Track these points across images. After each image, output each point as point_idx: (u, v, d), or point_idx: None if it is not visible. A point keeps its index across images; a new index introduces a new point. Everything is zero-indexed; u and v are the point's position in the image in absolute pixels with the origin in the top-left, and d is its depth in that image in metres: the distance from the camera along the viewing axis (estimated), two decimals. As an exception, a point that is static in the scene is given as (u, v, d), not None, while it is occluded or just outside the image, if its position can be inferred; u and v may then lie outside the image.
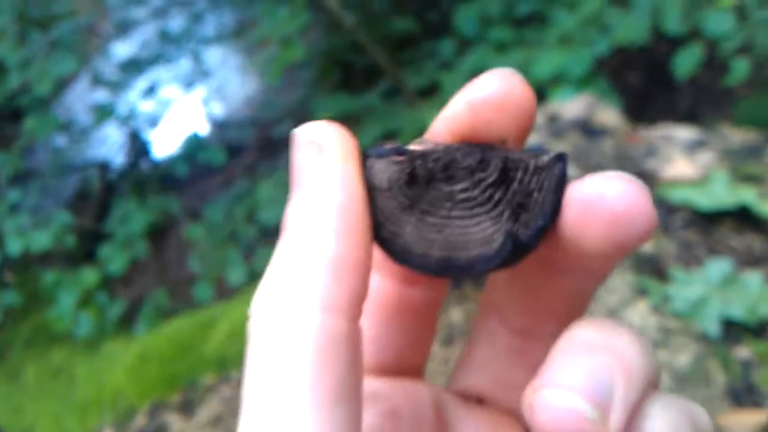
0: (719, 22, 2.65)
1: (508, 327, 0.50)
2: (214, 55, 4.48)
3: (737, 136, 2.02)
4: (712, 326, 1.49)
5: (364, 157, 0.45)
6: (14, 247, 3.05)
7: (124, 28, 4.32)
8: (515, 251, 0.42)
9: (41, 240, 3.08)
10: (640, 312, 1.53)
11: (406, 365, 0.53)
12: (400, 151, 0.46)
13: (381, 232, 0.44)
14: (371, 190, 0.44)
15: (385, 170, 0.45)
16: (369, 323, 0.51)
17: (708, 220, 1.75)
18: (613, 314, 1.51)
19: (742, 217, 1.73)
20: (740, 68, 2.61)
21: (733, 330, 1.51)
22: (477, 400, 0.52)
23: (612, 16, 2.86)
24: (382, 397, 0.51)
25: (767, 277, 1.57)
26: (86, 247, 3.46)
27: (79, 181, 3.90)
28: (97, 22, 4.39)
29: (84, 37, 3.99)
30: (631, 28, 2.77)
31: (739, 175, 1.82)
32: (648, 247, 1.69)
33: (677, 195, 1.79)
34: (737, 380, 1.42)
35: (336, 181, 0.41)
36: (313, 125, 0.44)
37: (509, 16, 3.36)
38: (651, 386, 0.40)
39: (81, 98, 4.08)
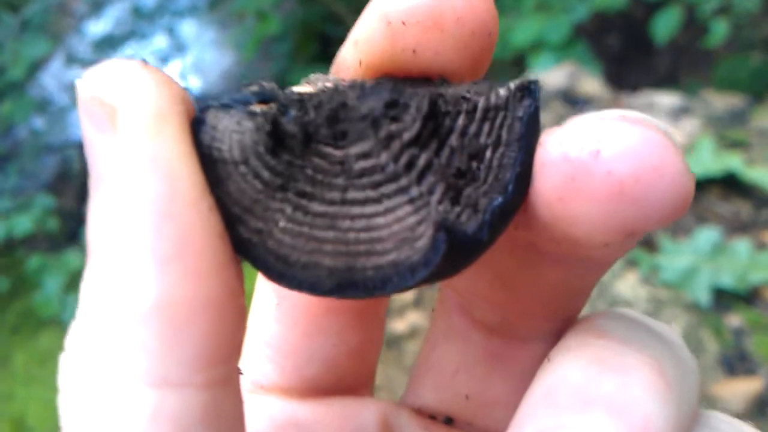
0: (697, -16, 2.64)
1: (480, 324, 0.38)
2: (188, 29, 4.43)
3: (720, 101, 2.03)
4: (702, 295, 1.50)
5: (203, 110, 0.30)
6: (-3, 232, 3.03)
7: (96, 6, 4.26)
8: (455, 253, 0.27)
9: (23, 224, 3.05)
10: (630, 284, 1.53)
11: (345, 380, 0.41)
12: (264, 97, 0.31)
13: (238, 233, 0.28)
14: (215, 165, 0.28)
15: (236, 130, 0.29)
16: (287, 331, 0.39)
17: (695, 188, 1.75)
18: (603, 288, 1.52)
19: (729, 183, 1.74)
20: (719, 30, 2.61)
21: (724, 298, 1.52)
22: (444, 420, 0.40)
23: (590, -20, 2.84)
24: (308, 426, 0.39)
25: (756, 243, 1.58)
26: (69, 228, 3.44)
27: (58, 161, 3.86)
28: (68, 1, 4.33)
29: (56, 17, 3.94)
30: (609, -7, 2.76)
31: (724, 141, 1.83)
32: (636, 217, 1.70)
33: (663, 164, 1.80)
34: (729, 349, 1.44)
35: (143, 169, 0.26)
36: (100, 71, 0.28)
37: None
38: None
39: (56, 78, 4.04)
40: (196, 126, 0.29)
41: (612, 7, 2.75)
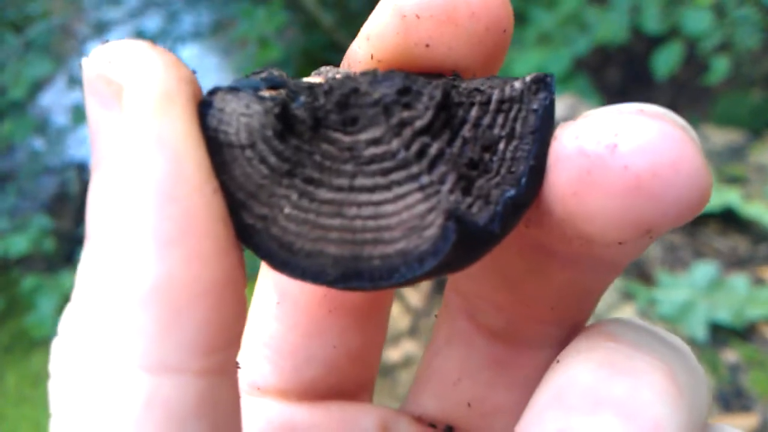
0: (697, 21, 2.65)
1: (484, 329, 0.37)
2: (191, 54, 4.45)
3: (719, 136, 2.03)
4: (699, 330, 1.49)
5: (211, 92, 0.29)
6: (-7, 251, 3.02)
7: (99, 29, 4.27)
8: (465, 243, 0.26)
9: (19, 244, 3.04)
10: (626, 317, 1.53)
11: (344, 384, 0.40)
12: (273, 83, 0.30)
13: (242, 218, 0.27)
14: (221, 148, 0.28)
15: (243, 113, 0.28)
16: (287, 331, 0.38)
17: (693, 223, 1.75)
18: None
19: (727, 218, 1.74)
20: (719, 66, 2.62)
21: (721, 333, 1.51)
22: (445, 429, 0.39)
23: (591, 14, 2.86)
24: (305, 429, 0.38)
25: (753, 279, 1.58)
26: (66, 250, 3.43)
27: (57, 183, 3.86)
28: (72, 22, 4.35)
29: (59, 38, 3.96)
30: (610, 27, 2.77)
31: (723, 176, 1.83)
32: (634, 251, 1.70)
33: (662, 197, 1.80)
34: (726, 384, 1.43)
35: (148, 149, 0.25)
36: (107, 49, 0.27)
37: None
38: None
39: (58, 99, 4.04)
40: (203, 108, 0.28)
41: (613, 42, 2.76)
